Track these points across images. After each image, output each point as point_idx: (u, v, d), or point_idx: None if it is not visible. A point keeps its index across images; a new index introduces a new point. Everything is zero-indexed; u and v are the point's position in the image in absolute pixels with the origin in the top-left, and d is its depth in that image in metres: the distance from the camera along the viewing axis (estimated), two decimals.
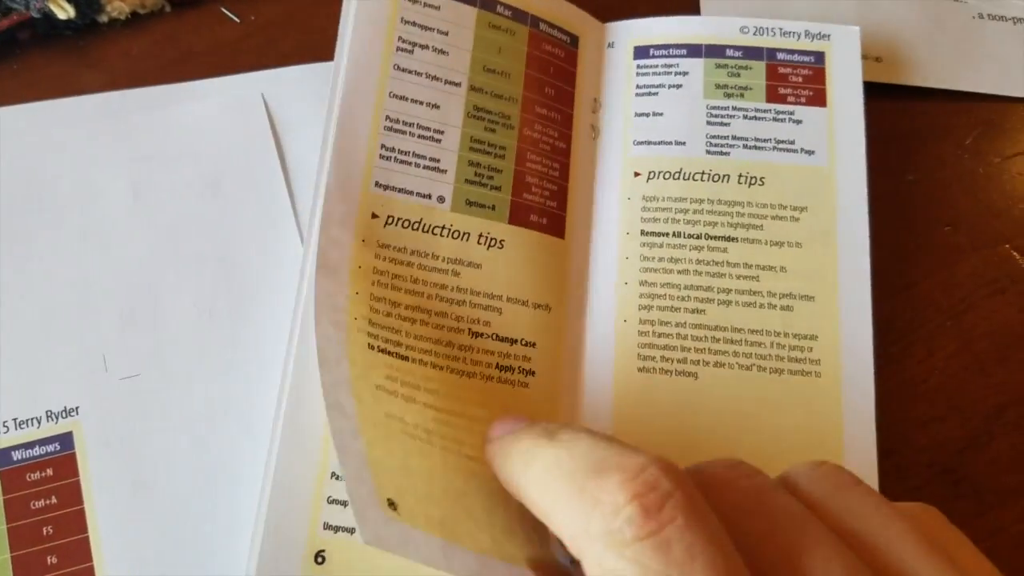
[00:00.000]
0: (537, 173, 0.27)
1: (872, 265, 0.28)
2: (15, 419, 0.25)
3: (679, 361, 0.26)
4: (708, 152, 0.28)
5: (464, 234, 0.26)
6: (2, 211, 0.27)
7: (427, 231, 0.26)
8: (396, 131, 0.26)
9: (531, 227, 0.27)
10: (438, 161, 0.26)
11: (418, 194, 0.26)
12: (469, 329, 0.25)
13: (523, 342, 0.25)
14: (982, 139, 0.32)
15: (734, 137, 0.28)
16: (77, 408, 0.25)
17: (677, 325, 0.26)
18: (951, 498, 0.27)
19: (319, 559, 0.22)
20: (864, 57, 0.30)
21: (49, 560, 0.24)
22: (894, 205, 0.31)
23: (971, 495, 0.28)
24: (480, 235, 0.26)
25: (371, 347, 0.24)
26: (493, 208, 0.26)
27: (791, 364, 0.26)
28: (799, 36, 0.30)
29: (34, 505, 0.24)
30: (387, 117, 0.26)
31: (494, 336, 0.25)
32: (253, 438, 0.25)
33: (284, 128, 0.29)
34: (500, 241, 0.26)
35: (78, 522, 0.24)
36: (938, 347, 0.29)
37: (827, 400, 0.26)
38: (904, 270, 0.30)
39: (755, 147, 0.28)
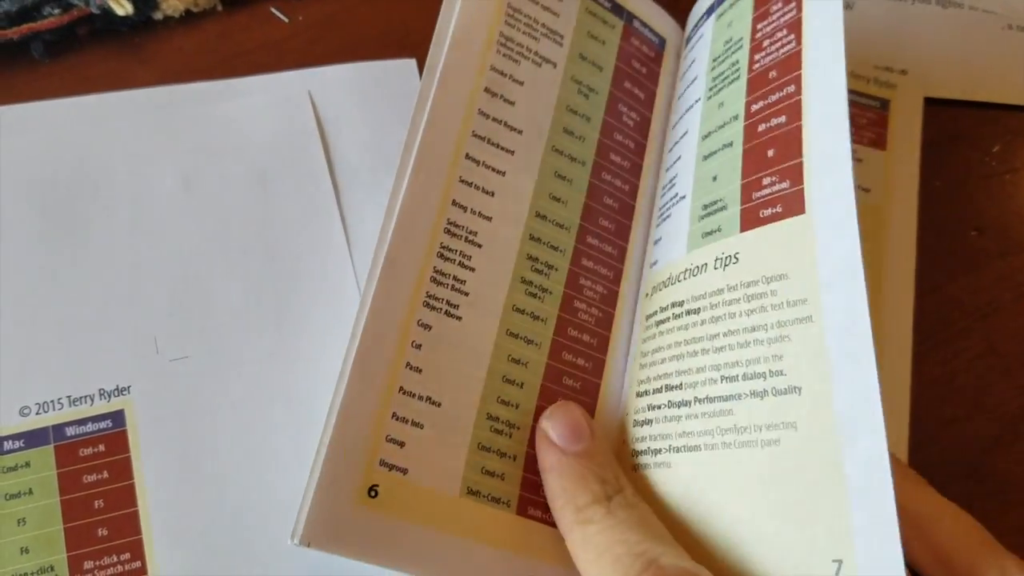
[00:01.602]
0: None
1: None
2: (69, 396, 0.26)
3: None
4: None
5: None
6: (59, 200, 0.28)
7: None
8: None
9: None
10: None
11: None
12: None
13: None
14: (1009, 148, 0.33)
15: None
16: (129, 387, 0.26)
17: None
18: (976, 496, 0.28)
19: (372, 492, 0.21)
20: (889, 69, 0.31)
21: (100, 532, 0.25)
22: (921, 209, 0.31)
23: (996, 493, 0.28)
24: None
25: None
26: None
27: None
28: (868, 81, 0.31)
29: (86, 479, 0.25)
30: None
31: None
32: (296, 419, 0.26)
33: (328, 124, 0.30)
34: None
35: (128, 496, 0.25)
36: (964, 348, 0.30)
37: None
38: (930, 273, 0.31)
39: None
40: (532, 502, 0.23)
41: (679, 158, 0.28)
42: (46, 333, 0.26)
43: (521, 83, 0.27)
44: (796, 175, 0.23)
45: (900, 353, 0.29)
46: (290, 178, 0.29)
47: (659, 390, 0.24)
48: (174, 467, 0.26)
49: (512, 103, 0.26)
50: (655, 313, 0.26)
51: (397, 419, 0.22)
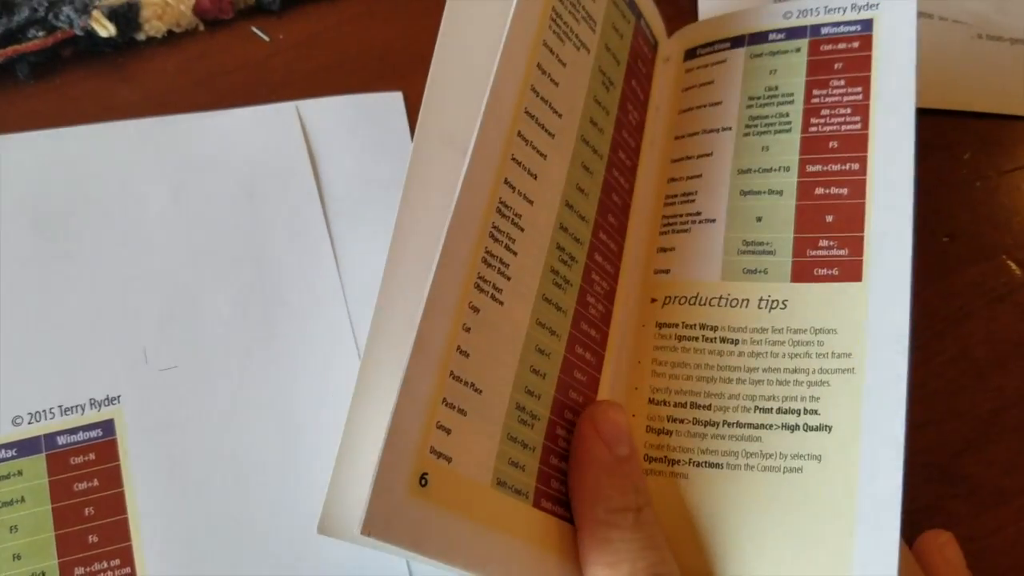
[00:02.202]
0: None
1: None
2: (60, 406, 0.27)
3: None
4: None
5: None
6: (50, 215, 0.29)
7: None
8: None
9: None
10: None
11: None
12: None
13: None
14: (980, 154, 0.34)
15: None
16: (119, 397, 0.27)
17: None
18: (947, 498, 0.28)
19: (423, 480, 0.21)
20: None
21: (90, 539, 0.26)
22: None
23: (967, 495, 0.29)
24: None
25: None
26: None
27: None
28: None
29: (77, 487, 0.26)
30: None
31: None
32: (281, 429, 0.27)
33: (315, 145, 0.30)
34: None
35: (118, 504, 0.26)
36: (936, 353, 0.30)
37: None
38: None
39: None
40: (545, 494, 0.23)
41: (700, 176, 0.29)
42: (38, 344, 0.27)
43: (564, 65, 0.26)
44: (856, 247, 0.26)
45: None
46: (277, 193, 0.30)
47: (683, 405, 0.26)
48: (163, 475, 0.26)
49: (556, 84, 0.26)
50: (676, 326, 0.27)
51: (447, 405, 0.21)
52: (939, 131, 0.34)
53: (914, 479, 0.28)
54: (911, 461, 0.24)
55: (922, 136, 0.33)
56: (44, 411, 0.27)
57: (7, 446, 0.26)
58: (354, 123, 0.31)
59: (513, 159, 0.24)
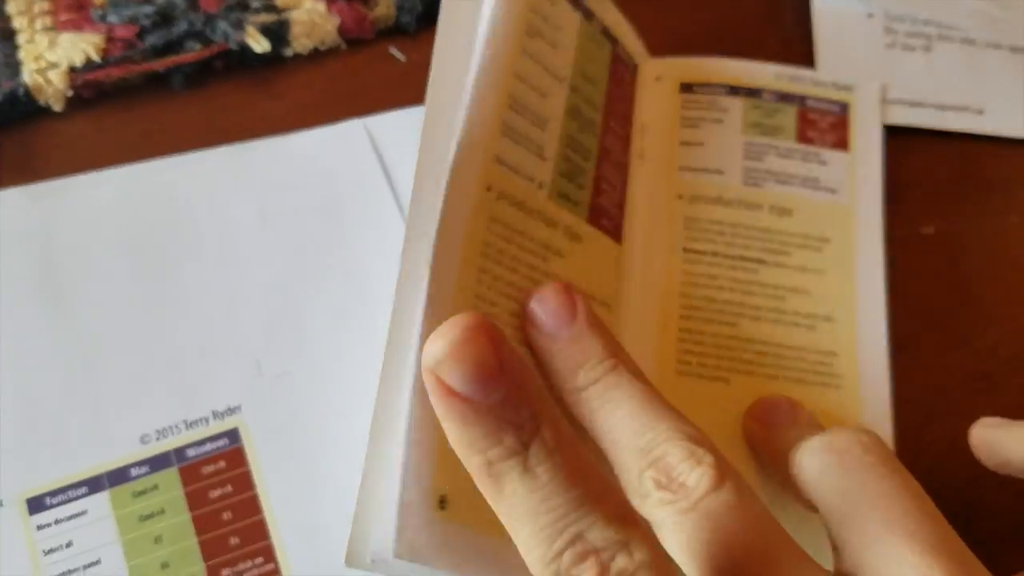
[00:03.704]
0: (608, 181, 0.30)
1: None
2: (185, 420, 0.28)
3: (714, 367, 0.29)
4: (744, 183, 0.32)
5: (554, 223, 0.28)
6: (148, 244, 0.30)
7: (528, 213, 0.27)
8: (516, 111, 0.27)
9: (601, 229, 0.29)
10: (542, 149, 0.28)
11: (525, 175, 0.27)
12: None
13: None
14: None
15: (767, 171, 0.32)
16: (239, 406, 0.28)
17: (713, 335, 0.30)
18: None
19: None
20: (899, 102, 0.34)
21: (232, 541, 0.27)
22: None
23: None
24: (566, 227, 0.28)
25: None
26: (577, 204, 0.29)
27: (813, 376, 0.30)
28: (827, 86, 0.34)
29: (212, 495, 0.27)
30: (511, 96, 0.27)
31: None
32: None
33: (386, 156, 0.32)
34: (579, 236, 0.28)
35: (253, 506, 0.27)
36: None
37: (847, 410, 0.30)
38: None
39: (785, 182, 0.32)
40: None
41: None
42: (156, 366, 0.29)
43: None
44: None
45: (877, 356, 0.31)
46: (356, 204, 0.32)
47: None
48: (291, 475, 0.28)
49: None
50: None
51: None
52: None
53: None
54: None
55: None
56: (170, 427, 0.28)
57: (139, 464, 0.27)
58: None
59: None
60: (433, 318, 0.23)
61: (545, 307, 0.25)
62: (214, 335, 0.29)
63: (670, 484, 0.21)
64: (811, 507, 0.23)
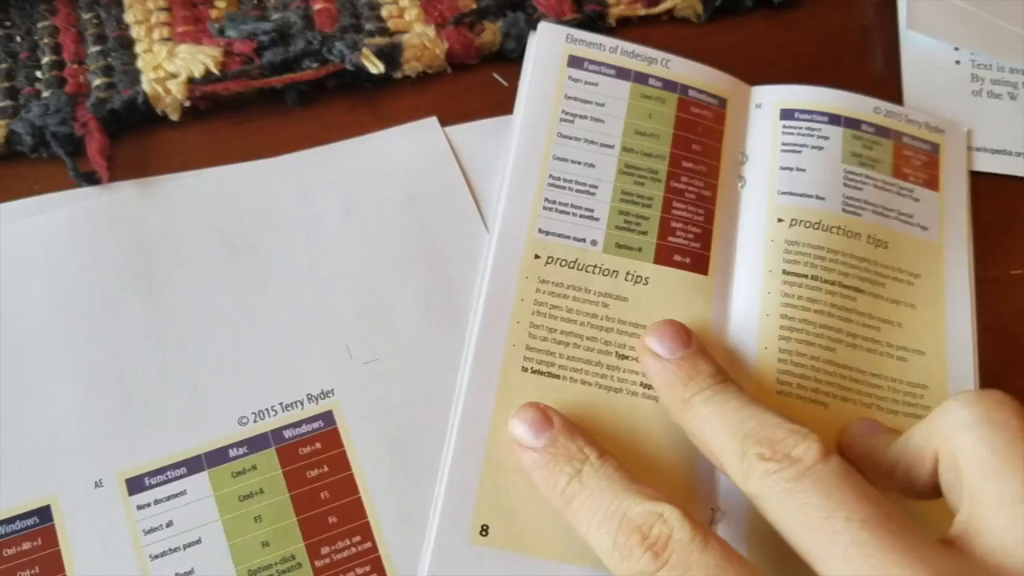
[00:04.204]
0: (682, 219, 0.31)
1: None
2: (281, 403, 0.29)
3: (812, 390, 0.29)
4: (844, 210, 0.32)
5: (613, 272, 0.30)
6: (241, 236, 0.31)
7: (581, 269, 0.30)
8: (557, 187, 0.31)
9: (674, 266, 0.31)
10: (592, 211, 0.31)
11: (575, 238, 0.31)
12: (616, 352, 0.29)
13: None
14: None
15: (866, 202, 0.32)
16: (333, 390, 0.29)
17: (812, 358, 0.30)
18: None
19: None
20: (984, 149, 0.35)
21: (330, 520, 0.27)
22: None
23: None
24: (628, 273, 0.30)
25: (524, 369, 0.29)
26: (640, 250, 0.31)
27: (904, 407, 0.30)
28: (920, 125, 0.35)
29: (309, 475, 0.28)
30: (551, 175, 0.31)
31: (638, 359, 0.29)
32: None
33: (466, 157, 0.33)
34: (645, 278, 0.30)
35: (350, 486, 0.28)
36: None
37: None
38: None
39: (882, 214, 0.32)
40: None
41: None
42: (250, 350, 0.29)
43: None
44: None
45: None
46: (436, 197, 0.32)
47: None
48: (385, 455, 0.28)
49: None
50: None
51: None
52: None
53: None
54: None
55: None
56: (267, 409, 0.28)
57: (238, 444, 0.28)
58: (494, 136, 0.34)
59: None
60: (479, 372, 0.29)
61: (661, 338, 0.28)
62: (305, 322, 0.30)
63: (775, 456, 0.22)
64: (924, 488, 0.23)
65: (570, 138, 0.32)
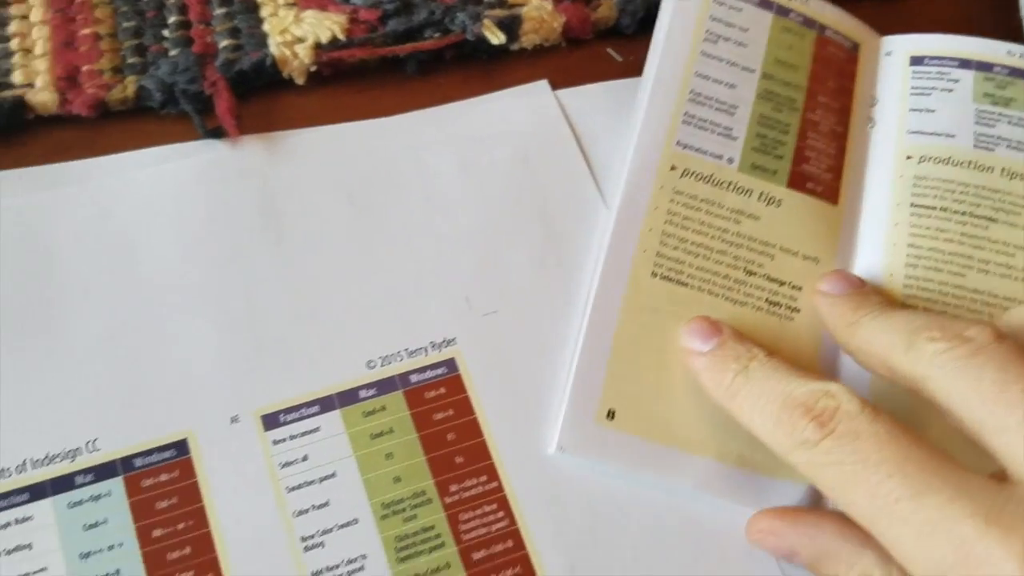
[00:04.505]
0: (815, 149, 0.33)
1: None
2: (406, 349, 0.30)
3: (940, 313, 0.30)
4: (975, 146, 0.33)
5: (747, 191, 0.32)
6: (363, 192, 0.32)
7: (716, 185, 0.31)
8: (698, 103, 0.32)
9: (807, 192, 0.32)
10: (731, 130, 0.32)
11: (712, 154, 0.32)
12: (745, 267, 0.31)
13: (791, 285, 0.31)
14: None
15: (999, 137, 0.33)
16: (455, 339, 0.30)
17: (940, 283, 0.31)
18: None
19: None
20: None
21: (456, 460, 0.28)
22: None
23: None
24: (761, 193, 0.32)
25: (654, 274, 0.30)
26: (775, 172, 0.32)
27: None
28: None
29: (435, 417, 0.29)
30: (692, 91, 0.32)
31: (766, 276, 0.31)
32: None
33: (576, 118, 0.34)
34: (778, 200, 0.32)
35: (474, 428, 0.29)
36: None
37: None
38: None
39: (1018, 148, 0.33)
40: None
41: None
42: (374, 299, 0.30)
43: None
44: None
45: None
46: (547, 158, 0.33)
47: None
48: (506, 401, 0.29)
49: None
50: None
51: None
52: None
53: None
54: None
55: None
56: (393, 355, 0.30)
57: (367, 386, 0.29)
58: (614, 106, 0.35)
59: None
60: (610, 273, 0.30)
61: (834, 280, 0.29)
62: (426, 274, 0.31)
63: (946, 336, 0.23)
64: None
65: (713, 57, 0.33)
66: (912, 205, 0.32)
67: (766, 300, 0.30)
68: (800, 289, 0.31)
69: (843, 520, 0.24)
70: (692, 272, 0.30)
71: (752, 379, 0.26)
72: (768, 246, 0.31)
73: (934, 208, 0.32)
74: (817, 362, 0.30)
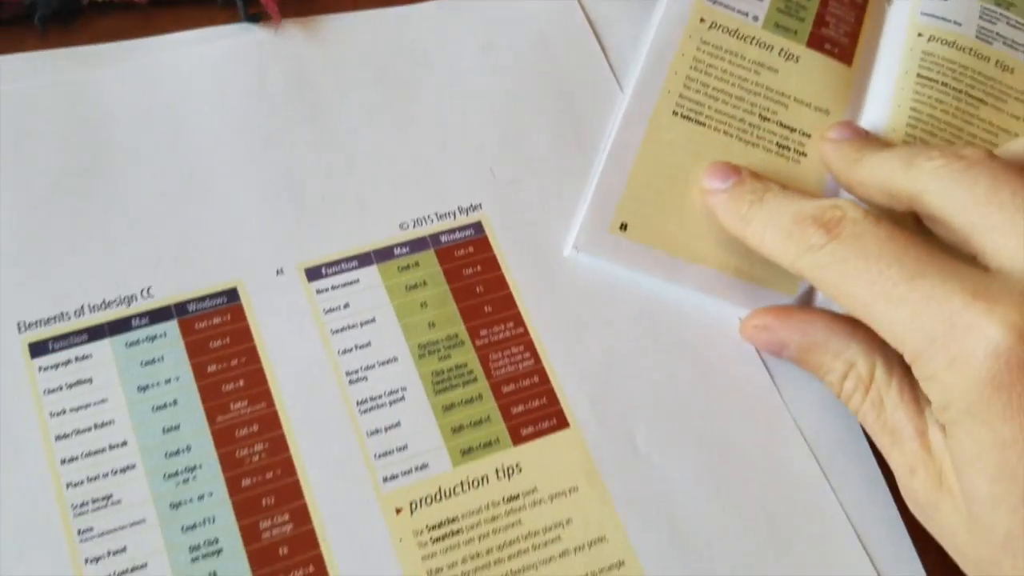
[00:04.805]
0: (835, 16, 0.36)
1: None
2: (436, 212, 0.32)
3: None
4: (977, 36, 0.36)
5: (769, 46, 0.35)
6: (389, 72, 0.34)
7: (741, 39, 0.35)
8: None
9: (824, 52, 0.35)
10: None
11: (739, 10, 0.35)
12: (760, 113, 0.34)
13: (801, 132, 0.34)
14: None
15: (998, 34, 0.37)
16: (480, 204, 0.32)
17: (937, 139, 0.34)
18: None
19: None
20: None
21: (486, 309, 0.31)
22: None
23: None
24: (782, 49, 0.35)
25: (675, 113, 0.33)
26: (795, 32, 0.35)
27: None
28: None
29: (465, 272, 0.31)
30: None
31: (779, 123, 0.34)
32: None
33: (593, 15, 0.37)
34: (797, 57, 0.35)
35: (501, 283, 0.31)
36: None
37: None
38: None
39: (1012, 46, 0.37)
40: None
41: None
42: (407, 170, 0.32)
43: None
44: None
45: None
46: (565, 43, 0.36)
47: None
48: (529, 258, 0.32)
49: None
50: None
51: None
52: None
53: None
54: None
55: None
56: (424, 217, 0.32)
57: (400, 245, 0.31)
58: None
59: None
60: (635, 107, 0.33)
61: (840, 128, 0.32)
62: (453, 147, 0.33)
63: (943, 154, 0.25)
64: None
65: None
66: (918, 76, 0.35)
67: (776, 144, 0.34)
68: (809, 136, 0.34)
69: (832, 316, 0.28)
70: (710, 114, 0.34)
71: (766, 206, 0.28)
72: (783, 96, 0.34)
73: (936, 82, 0.35)
74: None
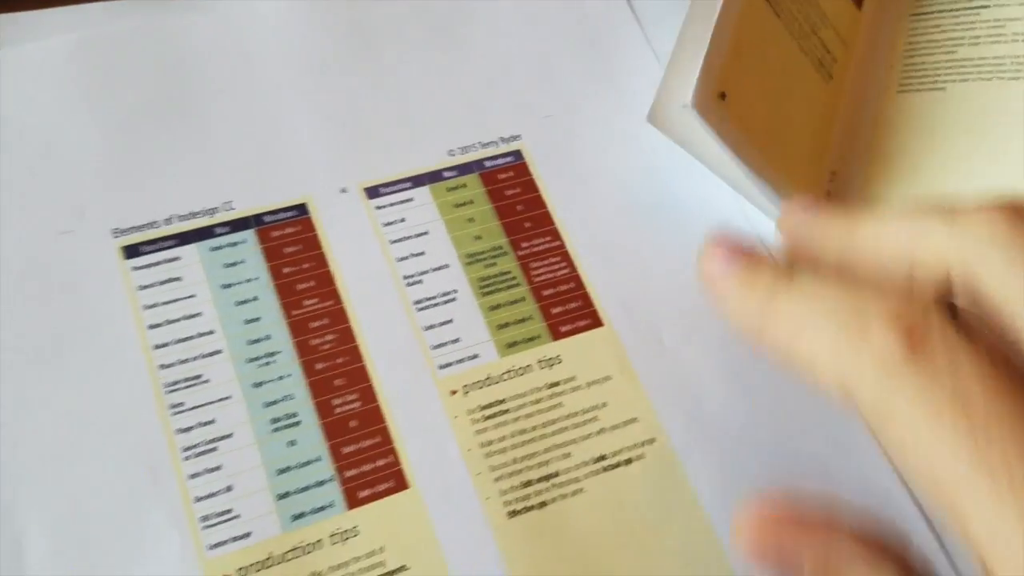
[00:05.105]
0: None
1: None
2: (480, 141, 0.36)
3: (931, 81, 0.37)
4: None
5: None
6: (443, 23, 0.38)
7: None
8: None
9: None
10: None
11: None
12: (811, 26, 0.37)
13: (833, 56, 0.38)
14: None
15: None
16: (520, 135, 0.36)
17: (934, 62, 0.38)
18: None
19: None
20: None
21: (526, 225, 0.34)
22: None
23: None
24: None
25: None
26: None
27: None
28: None
29: (507, 193, 0.35)
30: None
31: (820, 41, 0.37)
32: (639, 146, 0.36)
33: None
34: None
35: (539, 203, 0.35)
36: None
37: None
38: None
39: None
40: None
41: None
42: (454, 103, 0.36)
43: None
44: None
45: None
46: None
47: None
48: (565, 184, 0.35)
49: None
50: None
51: None
52: None
53: None
54: None
55: None
56: (469, 145, 0.36)
57: (448, 169, 0.35)
58: None
59: None
60: None
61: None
62: (494, 84, 0.37)
63: (985, 208, 0.18)
64: None
65: None
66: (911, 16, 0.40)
67: (818, 59, 0.37)
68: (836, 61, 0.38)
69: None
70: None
71: (801, 292, 0.19)
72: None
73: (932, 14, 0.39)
74: None
